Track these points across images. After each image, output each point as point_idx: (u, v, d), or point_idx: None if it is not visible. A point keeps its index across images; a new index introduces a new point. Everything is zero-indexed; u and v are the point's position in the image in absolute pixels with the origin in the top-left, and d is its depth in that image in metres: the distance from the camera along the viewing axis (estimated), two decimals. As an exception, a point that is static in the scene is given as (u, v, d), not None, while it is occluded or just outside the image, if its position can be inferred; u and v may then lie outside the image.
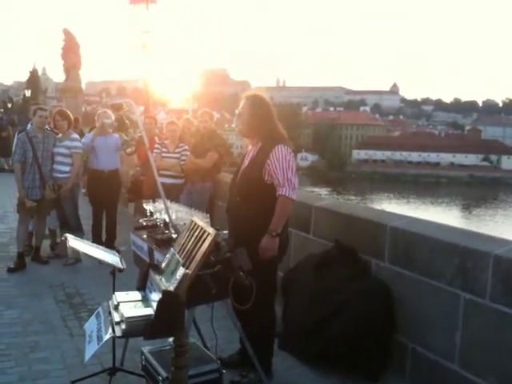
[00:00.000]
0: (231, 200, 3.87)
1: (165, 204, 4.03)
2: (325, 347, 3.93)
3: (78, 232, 6.42)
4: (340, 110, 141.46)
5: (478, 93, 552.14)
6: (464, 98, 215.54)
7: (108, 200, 7.27)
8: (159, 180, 4.21)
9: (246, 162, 3.79)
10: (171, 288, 2.70)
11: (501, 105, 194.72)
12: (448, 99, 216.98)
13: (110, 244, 7.08)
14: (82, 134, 9.39)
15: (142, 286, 3.19)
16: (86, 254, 3.79)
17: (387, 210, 6.41)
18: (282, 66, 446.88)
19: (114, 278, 3.70)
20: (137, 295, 3.17)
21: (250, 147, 3.84)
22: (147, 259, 3.99)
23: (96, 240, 6.98)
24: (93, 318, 3.34)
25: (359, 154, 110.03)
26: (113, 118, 7.29)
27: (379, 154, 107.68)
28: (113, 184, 7.23)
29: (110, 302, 3.15)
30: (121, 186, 7.63)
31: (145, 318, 2.80)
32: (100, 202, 7.28)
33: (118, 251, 7.09)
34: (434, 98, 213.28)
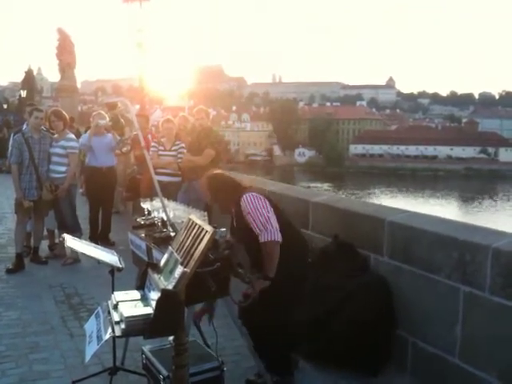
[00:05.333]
0: None
1: (162, 202, 4.03)
2: (325, 343, 3.93)
3: (76, 232, 6.41)
4: (336, 104, 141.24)
5: (474, 85, 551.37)
6: (460, 91, 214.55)
7: (105, 195, 7.73)
8: (156, 178, 4.20)
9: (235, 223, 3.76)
10: (170, 287, 2.69)
11: (497, 97, 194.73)
12: (444, 92, 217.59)
13: (104, 237, 7.62)
14: (78, 134, 9.39)
15: (141, 285, 3.18)
16: (85, 254, 3.79)
17: (385, 204, 6.40)
18: (277, 61, 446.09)
19: (112, 278, 3.69)
20: (136, 294, 3.16)
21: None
22: (146, 258, 3.98)
23: (93, 234, 7.62)
24: (92, 318, 3.34)
25: (356, 149, 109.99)
26: (107, 118, 7.49)
27: (376, 149, 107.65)
28: (109, 180, 7.69)
29: (110, 302, 3.15)
30: (116, 182, 8.10)
31: (144, 317, 2.79)
32: (97, 198, 7.74)
33: (113, 243, 7.31)
34: (430, 91, 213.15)
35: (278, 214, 3.58)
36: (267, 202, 3.53)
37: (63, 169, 6.65)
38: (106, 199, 7.84)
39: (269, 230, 3.40)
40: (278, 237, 3.43)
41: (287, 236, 3.50)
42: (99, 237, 7.56)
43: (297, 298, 3.69)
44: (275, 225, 3.45)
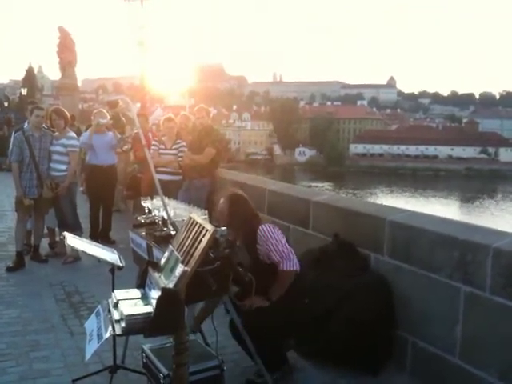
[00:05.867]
0: None
1: (163, 201, 4.02)
2: (325, 342, 3.93)
3: (77, 230, 6.41)
4: (337, 104, 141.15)
5: (475, 85, 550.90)
6: (461, 91, 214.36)
7: (105, 193, 7.77)
8: (157, 177, 4.20)
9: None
10: (170, 285, 2.69)
11: (498, 97, 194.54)
12: (445, 92, 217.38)
13: (104, 236, 7.65)
14: (78, 132, 9.40)
15: (142, 284, 3.18)
16: (85, 252, 3.79)
17: (386, 203, 6.40)
18: (278, 60, 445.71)
19: (113, 276, 3.69)
20: (136, 293, 3.16)
21: None
22: (146, 257, 3.98)
23: (94, 232, 7.65)
24: (93, 316, 3.34)
25: (357, 148, 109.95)
26: (108, 116, 7.54)
27: (377, 148, 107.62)
28: (110, 178, 7.71)
29: (110, 300, 3.14)
30: (117, 180, 8.12)
31: (144, 316, 2.79)
32: (98, 196, 7.76)
33: (114, 242, 7.32)
34: (431, 90, 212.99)
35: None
36: (282, 233, 3.74)
37: (64, 167, 6.65)
38: (107, 197, 7.86)
39: (291, 259, 3.62)
40: (297, 266, 3.63)
41: None
42: (100, 235, 7.58)
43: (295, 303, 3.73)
44: (293, 254, 3.64)
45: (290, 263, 3.60)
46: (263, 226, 3.70)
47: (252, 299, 3.49)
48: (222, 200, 3.86)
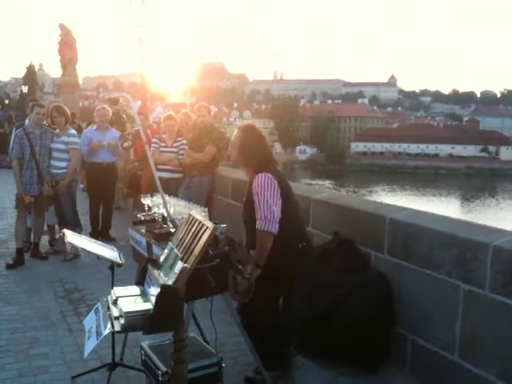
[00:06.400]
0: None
1: (163, 198, 4.02)
2: (325, 341, 3.92)
3: (76, 227, 6.42)
4: (338, 102, 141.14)
5: (476, 84, 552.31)
6: (462, 89, 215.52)
7: (105, 191, 7.73)
8: (157, 174, 4.20)
9: (245, 193, 3.74)
10: (170, 282, 2.69)
11: (499, 95, 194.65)
12: (446, 90, 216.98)
13: (105, 233, 7.65)
14: (79, 129, 9.41)
15: (141, 281, 3.18)
16: (85, 250, 3.79)
17: (386, 202, 6.39)
18: (279, 58, 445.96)
19: (112, 273, 3.70)
20: (135, 290, 3.15)
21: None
22: (146, 254, 3.98)
23: (93, 230, 7.68)
24: (92, 313, 3.33)
25: (358, 147, 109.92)
26: (111, 112, 7.61)
27: (378, 146, 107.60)
28: (110, 176, 7.69)
29: (109, 297, 3.14)
30: (117, 177, 8.13)
31: (144, 313, 2.78)
32: (98, 194, 7.74)
33: (114, 240, 7.33)
34: (432, 89, 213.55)
35: (285, 201, 3.51)
36: (277, 190, 3.45)
37: (64, 164, 6.65)
38: (107, 196, 7.84)
39: (268, 219, 3.38)
40: (275, 228, 3.40)
41: (284, 227, 3.46)
42: (100, 233, 7.59)
43: (285, 284, 3.64)
44: (276, 216, 3.41)
45: (265, 224, 3.37)
46: (262, 174, 3.45)
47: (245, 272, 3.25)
48: (235, 131, 3.65)
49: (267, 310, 3.65)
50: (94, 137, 7.42)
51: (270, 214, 3.39)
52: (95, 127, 7.67)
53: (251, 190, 3.51)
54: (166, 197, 4.13)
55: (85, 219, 7.77)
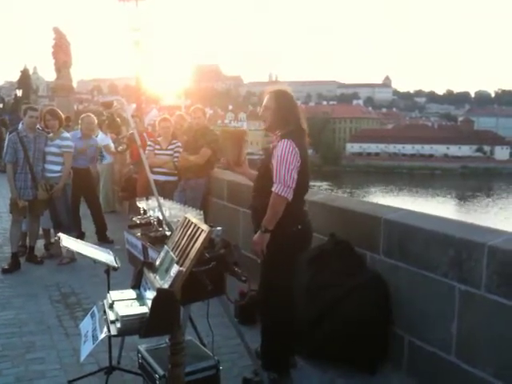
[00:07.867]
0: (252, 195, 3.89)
1: (158, 201, 4.02)
2: (322, 341, 3.92)
3: (71, 231, 6.39)
4: (333, 103, 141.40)
5: (470, 84, 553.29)
6: (456, 90, 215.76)
7: (86, 195, 7.84)
8: (152, 177, 4.19)
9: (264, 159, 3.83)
10: (166, 286, 2.68)
11: (493, 95, 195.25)
12: (441, 91, 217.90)
13: (102, 236, 7.73)
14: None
15: (137, 285, 3.17)
16: (80, 253, 3.78)
17: (382, 202, 6.40)
18: (274, 60, 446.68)
19: (108, 277, 3.68)
20: (131, 293, 3.15)
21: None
22: (141, 257, 3.97)
23: (80, 234, 7.41)
24: (88, 317, 3.33)
25: (353, 148, 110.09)
26: (96, 121, 7.90)
27: (373, 147, 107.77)
28: (86, 181, 7.67)
29: (105, 301, 3.14)
30: (93, 181, 8.23)
31: (140, 316, 2.78)
32: (78, 195, 7.69)
33: (112, 241, 7.31)
34: (426, 89, 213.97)
35: (302, 171, 3.58)
36: (298, 160, 3.52)
37: (58, 168, 6.63)
38: (89, 199, 7.95)
39: (286, 184, 3.45)
40: (290, 195, 3.47)
41: (294, 197, 3.54)
42: (97, 236, 7.60)
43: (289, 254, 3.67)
44: (293, 184, 3.48)
45: (282, 188, 3.43)
46: (285, 140, 3.51)
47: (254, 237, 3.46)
48: (267, 95, 3.71)
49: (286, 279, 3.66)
50: (77, 145, 7.31)
51: (290, 179, 3.46)
52: (79, 135, 7.66)
53: (273, 153, 3.58)
54: (162, 200, 4.13)
55: (84, 223, 7.86)
